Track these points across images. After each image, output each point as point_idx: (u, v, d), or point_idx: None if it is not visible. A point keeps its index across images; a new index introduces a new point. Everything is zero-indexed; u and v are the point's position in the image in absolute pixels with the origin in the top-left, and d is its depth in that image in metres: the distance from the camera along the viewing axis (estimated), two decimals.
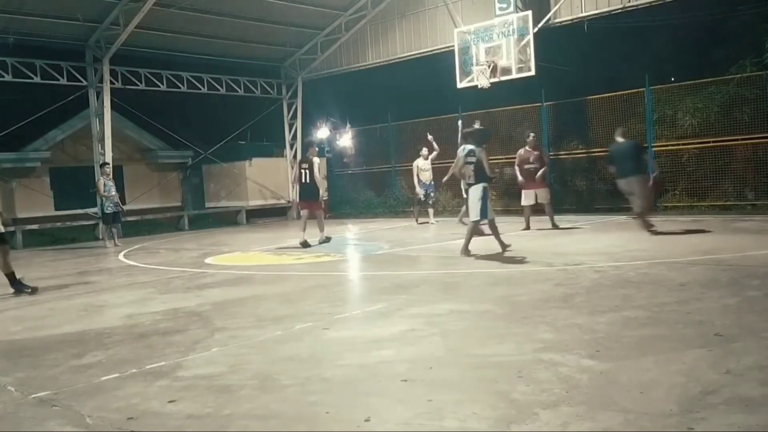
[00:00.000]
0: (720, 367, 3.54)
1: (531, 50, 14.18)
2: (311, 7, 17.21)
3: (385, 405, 3.35)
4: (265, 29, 17.69)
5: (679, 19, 16.72)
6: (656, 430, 2.85)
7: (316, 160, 11.56)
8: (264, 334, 5.09)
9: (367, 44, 18.33)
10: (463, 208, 13.70)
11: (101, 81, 16.17)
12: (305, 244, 11.27)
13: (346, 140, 20.39)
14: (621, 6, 13.79)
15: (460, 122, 13.62)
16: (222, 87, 19.18)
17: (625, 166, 9.87)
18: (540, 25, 14.30)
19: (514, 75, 14.39)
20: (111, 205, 14.17)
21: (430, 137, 14.36)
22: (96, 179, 14.97)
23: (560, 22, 14.65)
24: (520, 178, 11.74)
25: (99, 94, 16.30)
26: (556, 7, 14.44)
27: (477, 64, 14.77)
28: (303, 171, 11.54)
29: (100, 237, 15.52)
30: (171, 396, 3.67)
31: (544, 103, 15.73)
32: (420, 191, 14.51)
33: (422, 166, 14.44)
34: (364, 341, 4.68)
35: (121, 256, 11.93)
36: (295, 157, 20.88)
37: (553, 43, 15.55)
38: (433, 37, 16.78)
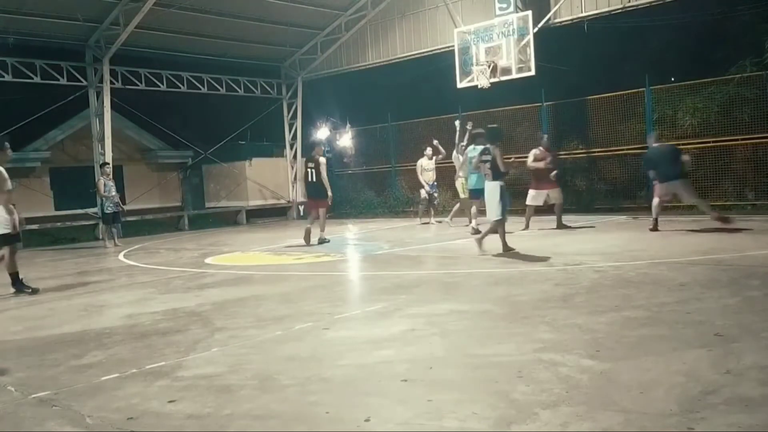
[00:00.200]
0: (720, 367, 3.54)
1: (531, 50, 14.19)
2: (311, 7, 17.21)
3: (385, 405, 3.35)
4: (265, 29, 17.69)
5: (679, 19, 16.74)
6: (656, 430, 2.84)
7: (322, 159, 11.69)
8: (264, 334, 5.09)
9: (367, 44, 18.34)
10: (455, 208, 13.77)
11: (101, 81, 16.18)
12: (326, 239, 11.70)
13: (346, 140, 20.40)
14: (621, 6, 13.79)
15: (457, 122, 13.60)
16: (222, 87, 19.18)
17: (667, 169, 9.80)
18: (540, 25, 14.30)
19: (514, 75, 14.39)
20: (111, 205, 14.16)
21: (435, 142, 14.28)
22: (96, 179, 14.96)
23: (560, 22, 14.65)
24: (548, 167, 11.47)
25: (99, 94, 16.30)
26: (556, 7, 14.44)
27: (477, 64, 14.78)
28: (309, 170, 11.71)
29: (100, 237, 15.52)
30: (171, 396, 3.67)
31: (544, 103, 15.73)
32: (426, 191, 14.48)
33: (426, 166, 14.43)
34: (364, 341, 4.68)
35: (121, 256, 11.93)
36: (295, 157, 20.94)
37: (553, 43, 15.56)
38: (433, 37, 16.78)
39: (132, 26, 14.96)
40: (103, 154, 16.00)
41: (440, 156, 14.28)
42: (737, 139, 13.03)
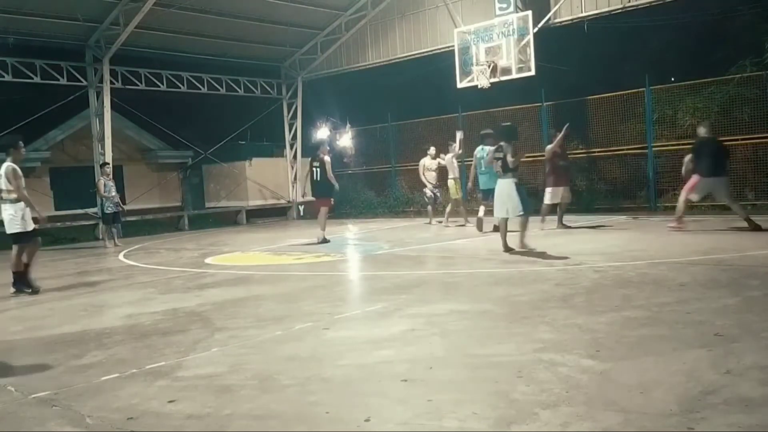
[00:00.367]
0: (720, 367, 3.54)
1: (531, 50, 14.19)
2: (311, 7, 17.22)
3: (385, 405, 3.35)
4: (265, 29, 17.70)
5: (679, 19, 16.73)
6: (656, 430, 2.85)
7: (327, 158, 11.83)
8: (264, 334, 5.09)
9: (367, 44, 18.34)
10: (448, 209, 13.78)
11: (101, 81, 16.17)
12: (325, 239, 11.82)
13: (346, 140, 20.39)
14: (621, 6, 13.79)
15: (459, 133, 13.71)
16: (222, 87, 19.18)
17: (712, 164, 9.42)
18: (540, 25, 14.31)
19: (514, 75, 14.40)
20: (111, 205, 14.17)
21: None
22: (96, 179, 14.96)
23: (560, 22, 14.66)
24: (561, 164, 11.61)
25: (99, 94, 16.30)
26: (556, 7, 14.45)
27: (477, 64, 14.78)
28: (314, 170, 11.91)
29: (100, 237, 15.53)
30: (171, 396, 3.67)
31: (544, 103, 15.73)
32: (430, 189, 14.47)
33: (428, 166, 14.41)
34: (364, 341, 4.68)
35: (121, 256, 11.93)
36: (295, 157, 20.94)
37: (553, 43, 15.56)
38: (433, 37, 16.78)
39: (132, 26, 14.96)
40: (103, 154, 16.00)
41: (458, 151, 13.84)
42: (737, 139, 13.01)
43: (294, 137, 20.89)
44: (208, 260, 10.57)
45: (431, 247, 10.62)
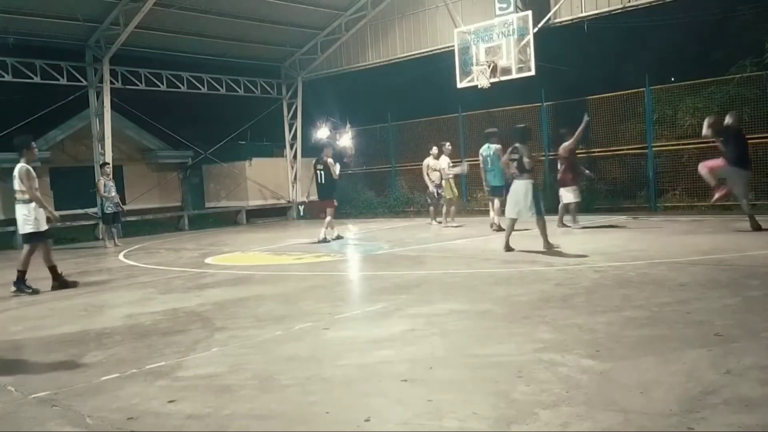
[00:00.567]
0: (720, 367, 3.54)
1: (531, 50, 14.19)
2: (311, 7, 17.22)
3: (385, 405, 3.35)
4: (265, 29, 17.70)
5: (679, 19, 16.73)
6: (656, 430, 2.85)
7: (331, 161, 11.92)
8: (264, 334, 5.09)
9: (367, 44, 18.34)
10: (443, 209, 13.78)
11: (101, 81, 16.18)
12: (325, 239, 11.87)
13: (346, 140, 20.37)
14: (621, 6, 13.79)
15: (447, 144, 13.83)
16: (222, 87, 19.19)
17: (738, 156, 9.39)
18: (540, 25, 14.31)
19: (514, 75, 14.40)
20: (111, 205, 14.17)
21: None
22: (96, 179, 14.97)
23: (560, 22, 14.66)
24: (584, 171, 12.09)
25: (99, 94, 16.31)
26: (556, 7, 14.44)
27: (477, 64, 14.78)
28: (318, 172, 12.00)
29: (100, 237, 15.52)
30: (171, 396, 3.67)
31: (544, 103, 15.73)
32: (432, 190, 14.46)
33: (432, 165, 14.40)
34: (364, 341, 4.68)
35: (121, 256, 11.93)
36: (295, 157, 20.95)
37: (553, 43, 15.56)
38: (433, 37, 16.78)
39: (132, 26, 14.97)
40: (103, 154, 16.00)
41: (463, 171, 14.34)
42: None
43: (294, 137, 20.89)
44: (208, 260, 10.57)
45: (431, 247, 10.62)
